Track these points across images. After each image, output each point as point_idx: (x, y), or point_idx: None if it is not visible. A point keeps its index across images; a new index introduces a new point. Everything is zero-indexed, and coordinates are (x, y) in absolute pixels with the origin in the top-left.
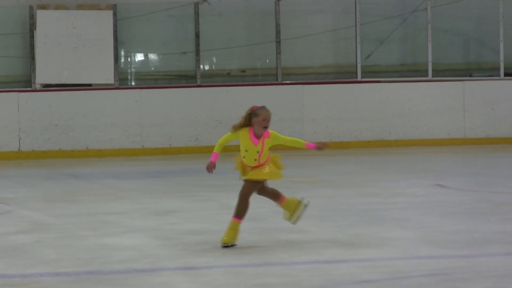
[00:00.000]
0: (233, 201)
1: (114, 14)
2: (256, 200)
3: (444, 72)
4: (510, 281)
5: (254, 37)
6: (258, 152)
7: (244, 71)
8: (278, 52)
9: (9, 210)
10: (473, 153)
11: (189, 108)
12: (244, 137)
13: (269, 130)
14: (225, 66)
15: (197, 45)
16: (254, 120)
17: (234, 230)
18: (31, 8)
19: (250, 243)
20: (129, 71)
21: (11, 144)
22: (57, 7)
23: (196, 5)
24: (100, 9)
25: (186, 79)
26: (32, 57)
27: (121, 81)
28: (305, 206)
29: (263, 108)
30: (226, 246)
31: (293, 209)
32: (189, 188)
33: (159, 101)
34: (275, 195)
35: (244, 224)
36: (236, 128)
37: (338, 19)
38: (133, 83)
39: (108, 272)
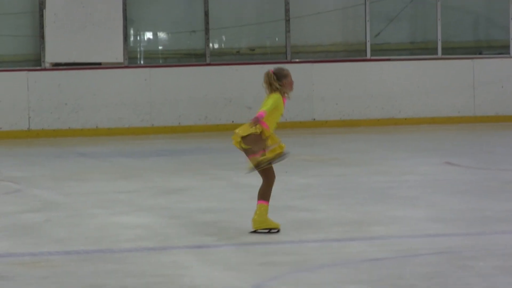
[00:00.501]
0: (243, 179)
1: None
2: None
3: (453, 50)
4: None
5: (263, 15)
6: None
7: (253, 50)
8: (288, 31)
9: (19, 189)
10: (482, 131)
11: (198, 86)
12: (281, 103)
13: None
14: (235, 45)
15: (207, 23)
16: (284, 81)
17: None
18: None
19: None
20: (138, 50)
21: (20, 123)
22: None
23: None
24: None
25: (196, 57)
26: (42, 36)
27: (131, 60)
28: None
29: (283, 68)
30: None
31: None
32: (198, 166)
33: (169, 80)
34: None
35: (254, 202)
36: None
37: None
38: (142, 62)
39: (118, 251)
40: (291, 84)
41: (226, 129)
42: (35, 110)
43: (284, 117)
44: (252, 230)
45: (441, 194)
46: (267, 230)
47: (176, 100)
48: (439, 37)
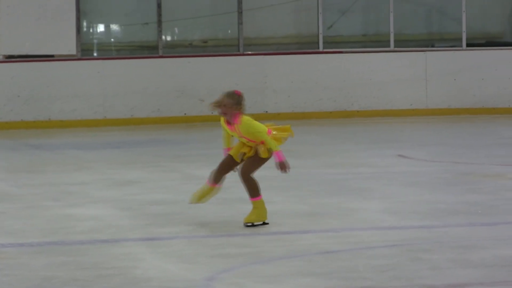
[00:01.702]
0: (196, 171)
1: None
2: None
3: (406, 43)
4: (473, 252)
5: (216, 7)
6: (239, 137)
7: (206, 42)
8: (240, 23)
9: None
10: (435, 123)
11: (151, 79)
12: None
13: (243, 116)
14: (187, 37)
15: (159, 15)
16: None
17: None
18: None
19: (212, 213)
20: (91, 42)
21: None
22: None
23: None
24: None
25: (148, 50)
26: None
27: (84, 52)
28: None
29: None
30: (255, 224)
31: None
32: (151, 158)
33: (122, 72)
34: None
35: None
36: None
37: None
38: (95, 54)
39: (71, 243)
40: None
41: (178, 121)
42: None
43: None
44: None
45: (395, 187)
46: (260, 223)
47: (129, 92)
48: (392, 29)
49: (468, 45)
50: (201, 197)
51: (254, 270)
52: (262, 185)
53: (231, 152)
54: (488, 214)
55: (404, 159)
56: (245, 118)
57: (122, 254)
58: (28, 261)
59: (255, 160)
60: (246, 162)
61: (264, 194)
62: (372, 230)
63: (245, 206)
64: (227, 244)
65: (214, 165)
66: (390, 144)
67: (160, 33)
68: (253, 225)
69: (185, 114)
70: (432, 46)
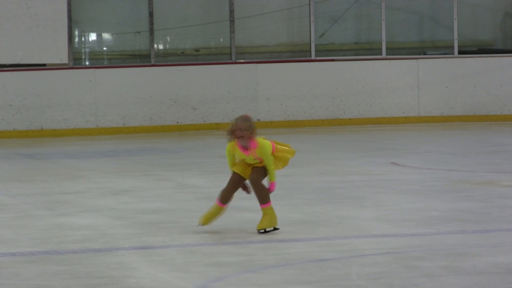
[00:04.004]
0: (189, 179)
1: None
2: (211, 179)
3: (398, 51)
4: (466, 259)
5: (208, 16)
6: (254, 159)
7: (198, 50)
8: (232, 31)
9: None
10: (427, 131)
11: (143, 87)
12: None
13: (259, 139)
14: (179, 46)
15: (151, 24)
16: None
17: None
18: None
19: None
20: (83, 50)
21: None
22: None
23: None
24: None
25: (140, 58)
26: None
27: (75, 61)
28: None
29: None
30: (267, 230)
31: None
32: (144, 167)
33: (114, 81)
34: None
35: (200, 203)
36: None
37: None
38: (87, 63)
39: (64, 252)
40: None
41: (171, 129)
42: None
43: (228, 118)
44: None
45: (387, 194)
46: (272, 228)
47: (121, 101)
48: (384, 37)
49: (460, 52)
50: (210, 218)
51: (247, 278)
52: (254, 194)
53: (238, 170)
54: (480, 222)
55: (396, 166)
56: (261, 141)
57: (115, 263)
58: (20, 271)
59: (264, 169)
60: (256, 170)
61: (257, 202)
62: (365, 238)
63: (237, 215)
64: (220, 253)
65: (207, 174)
66: (382, 152)
67: (152, 41)
68: (265, 232)
69: (177, 122)
70: (424, 54)
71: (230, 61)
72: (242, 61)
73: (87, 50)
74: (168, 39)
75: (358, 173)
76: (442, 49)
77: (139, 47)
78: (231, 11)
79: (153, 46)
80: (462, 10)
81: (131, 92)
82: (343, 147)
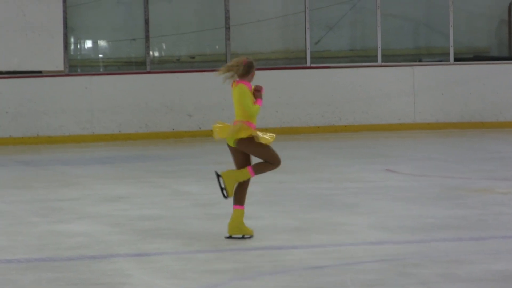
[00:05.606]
0: (185, 186)
1: (64, 1)
2: (206, 186)
3: (393, 57)
4: (462, 266)
5: (204, 23)
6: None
7: (193, 57)
8: (228, 38)
9: None
10: (423, 138)
11: (139, 94)
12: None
13: (243, 83)
14: (175, 53)
15: (147, 31)
16: (253, 72)
17: None
18: None
19: (201, 229)
20: (79, 58)
21: None
22: None
23: None
24: None
25: (136, 65)
26: None
27: (71, 68)
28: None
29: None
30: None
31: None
32: (140, 174)
33: (109, 88)
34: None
35: (195, 210)
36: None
37: (287, 4)
38: (83, 70)
39: (59, 259)
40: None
41: (166, 136)
42: None
43: None
44: (227, 235)
45: (383, 201)
46: (241, 236)
47: (117, 108)
48: (379, 44)
49: (455, 59)
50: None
51: (243, 285)
52: (250, 201)
53: (227, 141)
54: (476, 229)
55: (392, 173)
56: (243, 85)
57: (110, 270)
58: (16, 277)
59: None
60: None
61: (252, 209)
62: (360, 245)
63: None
64: (216, 260)
65: (203, 181)
66: (378, 159)
67: (147, 49)
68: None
69: (173, 129)
70: (420, 61)
71: None
72: None
73: (83, 57)
74: (164, 46)
75: (354, 180)
76: (438, 56)
77: (135, 54)
78: (227, 18)
79: (148, 53)
80: (457, 17)
81: (126, 99)
82: (338, 154)
